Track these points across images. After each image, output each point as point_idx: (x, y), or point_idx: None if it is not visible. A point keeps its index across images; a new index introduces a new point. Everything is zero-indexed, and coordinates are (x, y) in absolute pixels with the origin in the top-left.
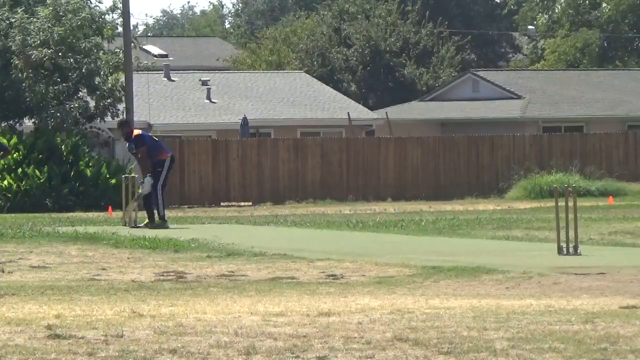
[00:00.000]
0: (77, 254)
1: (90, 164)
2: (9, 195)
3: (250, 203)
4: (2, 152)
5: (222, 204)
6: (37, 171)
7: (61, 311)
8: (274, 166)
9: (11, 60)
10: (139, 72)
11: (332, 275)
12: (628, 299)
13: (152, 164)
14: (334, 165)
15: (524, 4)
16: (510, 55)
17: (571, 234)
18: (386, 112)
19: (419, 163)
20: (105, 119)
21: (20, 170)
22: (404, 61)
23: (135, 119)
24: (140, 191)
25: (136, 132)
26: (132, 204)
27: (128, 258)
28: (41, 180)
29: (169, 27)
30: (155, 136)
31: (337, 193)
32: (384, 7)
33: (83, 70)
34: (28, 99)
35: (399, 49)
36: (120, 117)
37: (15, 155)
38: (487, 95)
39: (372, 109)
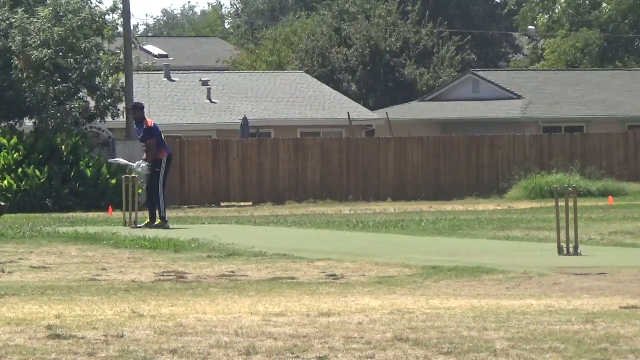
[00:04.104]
0: (77, 254)
1: (90, 164)
2: (9, 195)
3: (250, 203)
4: None
5: (222, 204)
6: (37, 171)
7: (61, 311)
8: (274, 166)
9: (11, 60)
10: (139, 72)
11: (332, 275)
12: (628, 299)
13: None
14: (334, 165)
15: (524, 4)
16: (510, 55)
17: (571, 234)
18: (386, 112)
19: (419, 163)
20: (105, 119)
21: (20, 170)
22: (404, 61)
23: None
24: (136, 170)
25: (149, 122)
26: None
27: (128, 258)
28: (41, 180)
29: (169, 27)
30: None
31: (337, 193)
32: (384, 7)
33: (83, 71)
34: (28, 99)
35: (399, 49)
36: (121, 117)
37: (15, 155)
38: (487, 95)
39: (372, 109)
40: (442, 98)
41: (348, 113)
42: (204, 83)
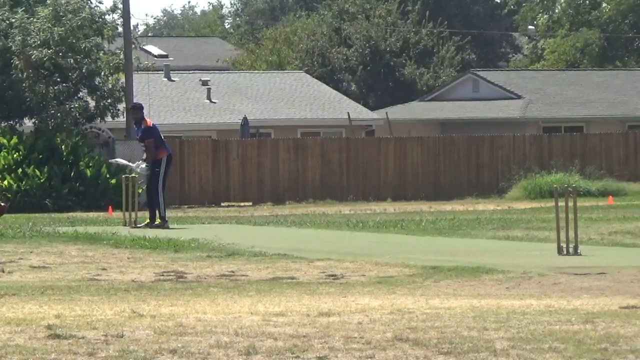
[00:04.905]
0: (77, 254)
1: (90, 164)
2: (9, 195)
3: (250, 203)
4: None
5: (222, 204)
6: (37, 171)
7: (61, 311)
8: (274, 166)
9: (11, 60)
10: (139, 73)
11: (332, 275)
12: (628, 299)
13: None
14: (334, 165)
15: (524, 4)
16: (510, 55)
17: (571, 234)
18: (386, 112)
19: (419, 163)
20: (105, 119)
21: (20, 170)
22: (404, 61)
23: None
24: (136, 170)
25: (148, 122)
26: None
27: (128, 258)
28: (41, 181)
29: (169, 27)
30: None
31: (337, 193)
32: (384, 7)
33: (83, 71)
34: (28, 99)
35: (399, 49)
36: (121, 117)
37: (15, 155)
38: (487, 95)
39: (372, 109)
40: (442, 98)
41: (348, 113)
42: (204, 83)
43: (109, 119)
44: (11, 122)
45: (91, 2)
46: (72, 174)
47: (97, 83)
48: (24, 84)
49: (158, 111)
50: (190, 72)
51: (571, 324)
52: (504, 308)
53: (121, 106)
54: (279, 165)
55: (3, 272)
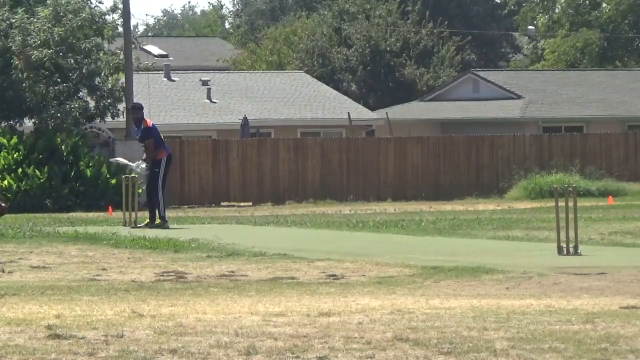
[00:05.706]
0: (78, 254)
1: (90, 164)
2: (9, 195)
3: (251, 203)
4: None
5: (222, 204)
6: (37, 171)
7: (61, 311)
8: (274, 166)
9: (11, 61)
10: (139, 72)
11: (332, 275)
12: (628, 299)
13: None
14: (334, 165)
15: (524, 4)
16: (510, 55)
17: (571, 234)
18: (386, 112)
19: (419, 163)
20: (105, 119)
21: (20, 170)
22: (404, 61)
23: None
24: (136, 170)
25: (148, 122)
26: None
27: (128, 258)
28: (41, 181)
29: (169, 27)
30: None
31: (337, 193)
32: (384, 7)
33: (83, 71)
34: (28, 99)
35: (399, 49)
36: (121, 117)
37: (15, 155)
38: (487, 95)
39: (372, 109)
40: (442, 98)
41: (348, 113)
42: (204, 83)
43: (109, 119)
44: (11, 122)
45: (91, 2)
46: (72, 174)
47: (97, 83)
48: (24, 84)
49: (158, 111)
50: (191, 72)
51: (571, 324)
52: (504, 308)
53: (121, 106)
54: (279, 165)
55: (3, 272)
